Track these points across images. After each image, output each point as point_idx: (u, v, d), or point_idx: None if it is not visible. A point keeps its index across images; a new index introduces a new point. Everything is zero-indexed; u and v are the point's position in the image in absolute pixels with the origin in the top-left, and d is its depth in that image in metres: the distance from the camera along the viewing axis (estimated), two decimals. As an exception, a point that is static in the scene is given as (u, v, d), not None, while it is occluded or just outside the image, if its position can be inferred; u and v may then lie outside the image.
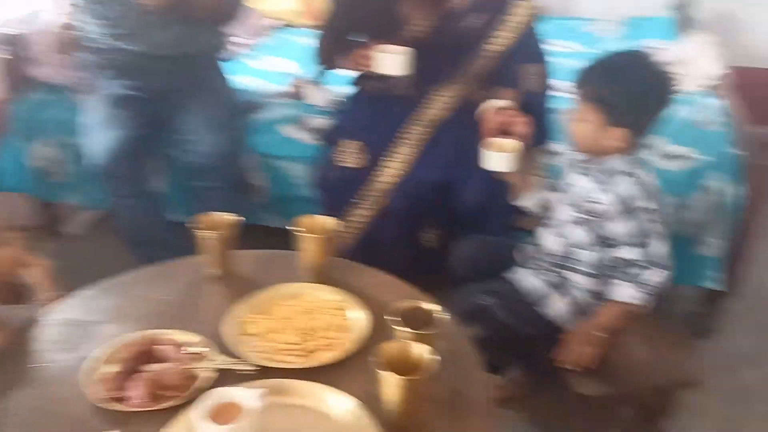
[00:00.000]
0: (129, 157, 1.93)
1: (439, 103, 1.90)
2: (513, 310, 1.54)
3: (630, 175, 1.42)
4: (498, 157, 1.53)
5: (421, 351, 0.99)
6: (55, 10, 2.16)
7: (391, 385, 0.94)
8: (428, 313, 1.09)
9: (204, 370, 1.06)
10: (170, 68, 2.02)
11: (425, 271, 2.00)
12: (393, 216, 1.87)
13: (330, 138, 2.00)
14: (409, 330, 1.03)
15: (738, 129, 1.95)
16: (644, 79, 1.38)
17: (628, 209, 1.40)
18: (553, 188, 1.59)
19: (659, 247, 1.42)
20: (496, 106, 1.72)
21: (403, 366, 0.96)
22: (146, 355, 1.08)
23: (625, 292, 1.43)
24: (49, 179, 2.29)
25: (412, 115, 1.89)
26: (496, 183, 1.63)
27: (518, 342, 1.62)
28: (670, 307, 1.52)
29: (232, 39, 2.73)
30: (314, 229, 1.33)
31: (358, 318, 1.18)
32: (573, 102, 1.46)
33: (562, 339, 1.51)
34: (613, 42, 2.96)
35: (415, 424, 0.97)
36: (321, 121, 2.15)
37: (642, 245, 1.41)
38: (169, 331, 1.14)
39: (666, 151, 1.91)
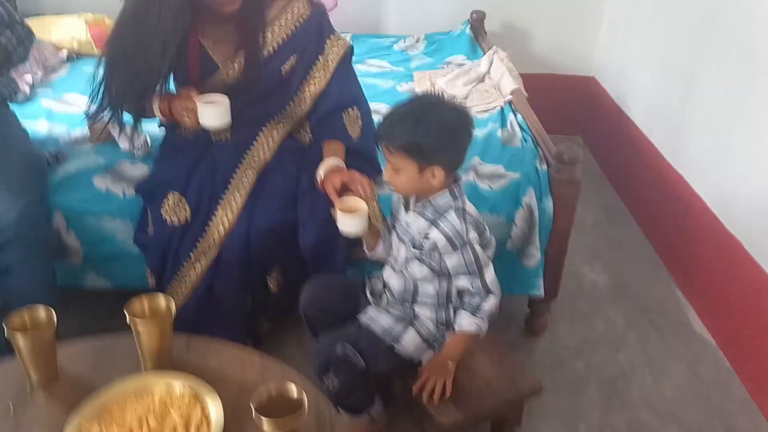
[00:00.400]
0: None
1: (263, 147, 1.86)
2: (369, 352, 1.54)
3: (456, 209, 1.48)
4: (352, 220, 1.51)
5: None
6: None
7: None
8: (292, 398, 1.04)
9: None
10: None
11: (275, 313, 1.97)
12: (229, 267, 1.78)
13: (146, 191, 1.86)
14: (273, 421, 0.98)
15: (539, 142, 2.13)
16: (444, 118, 1.42)
17: (461, 243, 1.46)
18: (391, 227, 1.61)
19: (490, 273, 1.51)
20: (331, 168, 1.70)
21: None
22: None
23: (466, 322, 1.51)
24: None
25: (235, 160, 1.83)
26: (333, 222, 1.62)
27: (376, 380, 1.64)
28: (500, 318, 1.61)
29: (22, 78, 2.46)
30: (150, 310, 1.22)
31: (216, 409, 1.10)
32: (383, 155, 1.48)
33: (418, 372, 1.56)
34: (420, 59, 3.11)
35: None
36: (137, 170, 1.99)
37: (476, 273, 1.49)
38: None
39: (483, 172, 2.03)
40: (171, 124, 1.91)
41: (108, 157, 2.04)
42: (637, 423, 1.87)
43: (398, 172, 1.45)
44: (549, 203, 1.92)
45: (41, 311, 1.19)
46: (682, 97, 2.51)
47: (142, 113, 1.84)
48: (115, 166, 2.00)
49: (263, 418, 0.97)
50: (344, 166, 1.73)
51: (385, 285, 1.65)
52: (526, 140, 2.18)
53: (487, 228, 1.55)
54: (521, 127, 2.27)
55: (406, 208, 1.55)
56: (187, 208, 1.76)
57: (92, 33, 2.86)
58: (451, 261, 1.48)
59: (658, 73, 2.77)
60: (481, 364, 1.66)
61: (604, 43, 3.40)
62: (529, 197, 1.91)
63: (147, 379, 1.16)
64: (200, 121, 1.68)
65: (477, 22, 3.27)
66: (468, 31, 3.24)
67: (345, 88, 1.89)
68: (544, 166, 1.98)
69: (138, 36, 1.64)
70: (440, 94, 1.56)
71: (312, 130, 1.92)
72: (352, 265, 1.89)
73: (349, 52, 1.91)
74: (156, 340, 1.19)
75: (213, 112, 1.66)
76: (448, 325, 1.59)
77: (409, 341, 1.57)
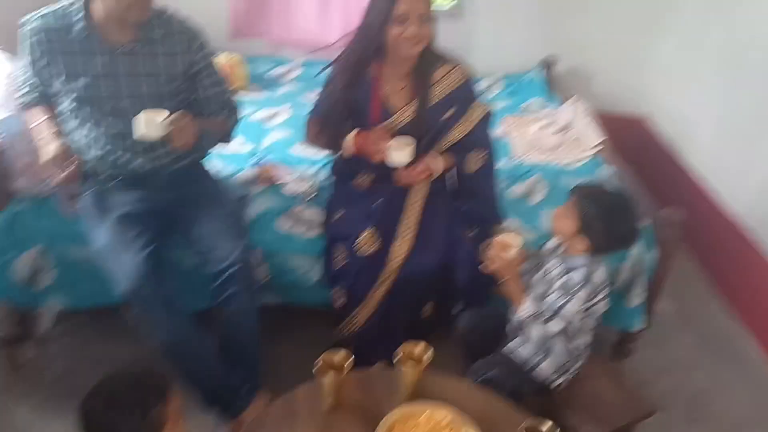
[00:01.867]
0: (152, 275, 1.99)
1: (420, 186, 2.25)
2: (513, 378, 1.94)
3: (587, 269, 1.85)
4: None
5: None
6: (31, 118, 2.09)
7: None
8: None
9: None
10: (171, 179, 2.15)
11: (420, 337, 2.39)
12: (401, 292, 2.18)
13: (337, 230, 2.25)
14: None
15: (636, 196, 2.55)
16: (623, 225, 1.84)
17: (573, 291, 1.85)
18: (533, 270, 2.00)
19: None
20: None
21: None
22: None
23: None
24: (32, 287, 2.25)
25: (403, 197, 2.23)
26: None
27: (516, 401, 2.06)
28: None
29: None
30: (413, 355, 1.63)
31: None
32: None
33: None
34: (501, 100, 3.50)
35: None
36: (313, 213, 2.39)
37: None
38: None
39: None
40: (345, 174, 2.32)
41: (284, 201, 2.43)
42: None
43: (565, 217, 1.86)
44: (654, 254, 2.35)
45: (342, 355, 1.59)
46: (740, 149, 2.95)
47: (334, 145, 2.26)
48: (290, 209, 2.40)
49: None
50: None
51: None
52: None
53: (602, 298, 1.91)
54: (613, 179, 2.69)
55: (554, 257, 1.94)
56: (378, 241, 2.17)
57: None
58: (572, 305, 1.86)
59: (717, 123, 3.20)
60: (608, 386, 2.08)
61: (661, 85, 3.78)
62: (637, 250, 2.34)
63: (413, 409, 1.57)
64: (391, 158, 2.09)
65: (550, 65, 3.67)
66: (542, 74, 3.65)
67: (479, 139, 2.29)
68: (646, 223, 2.40)
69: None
70: (634, 202, 1.92)
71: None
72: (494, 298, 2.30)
73: (489, 114, 2.32)
74: (417, 377, 1.61)
75: (401, 149, 2.08)
76: (580, 352, 2.00)
77: (545, 368, 1.98)
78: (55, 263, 2.24)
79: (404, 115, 2.20)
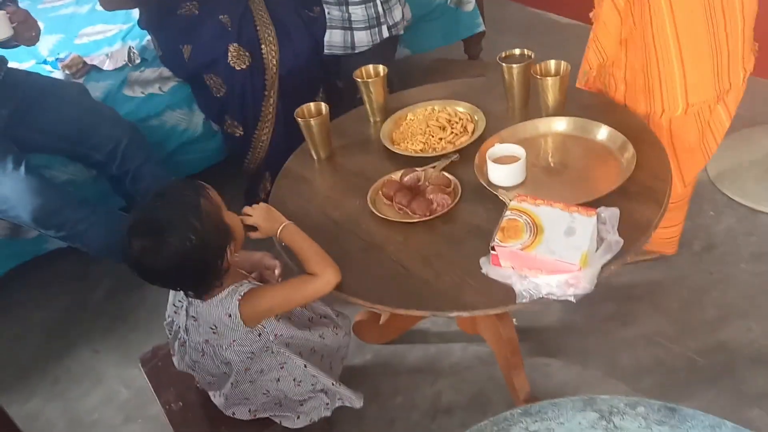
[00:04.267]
0: (47, 185, 1.74)
1: None
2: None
3: None
4: None
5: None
6: None
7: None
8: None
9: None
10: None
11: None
12: (292, 94, 2.11)
13: (197, 61, 2.08)
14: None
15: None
16: None
17: None
18: None
19: None
20: None
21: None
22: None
23: None
24: None
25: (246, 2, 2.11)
26: None
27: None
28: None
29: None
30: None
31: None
32: None
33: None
34: None
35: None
36: (152, 72, 2.17)
37: None
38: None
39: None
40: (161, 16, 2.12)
41: (116, 75, 2.17)
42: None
43: None
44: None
45: (319, 106, 1.54)
46: None
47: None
48: (128, 80, 2.15)
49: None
50: None
51: None
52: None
53: None
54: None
55: None
56: (247, 53, 2.04)
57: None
58: None
59: None
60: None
61: None
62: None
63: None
64: None
65: None
66: None
67: None
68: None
69: None
70: None
71: None
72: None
73: None
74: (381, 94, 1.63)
75: None
76: None
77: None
78: None
79: None
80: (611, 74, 1.59)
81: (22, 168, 1.71)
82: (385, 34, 2.13)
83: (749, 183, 2.09)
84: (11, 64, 1.99)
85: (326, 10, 2.12)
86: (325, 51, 2.14)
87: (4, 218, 1.78)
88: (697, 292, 1.82)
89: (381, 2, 2.09)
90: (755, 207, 2.02)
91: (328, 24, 2.12)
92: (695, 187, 1.78)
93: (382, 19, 2.12)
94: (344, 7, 2.08)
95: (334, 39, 2.13)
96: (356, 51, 2.13)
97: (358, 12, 2.08)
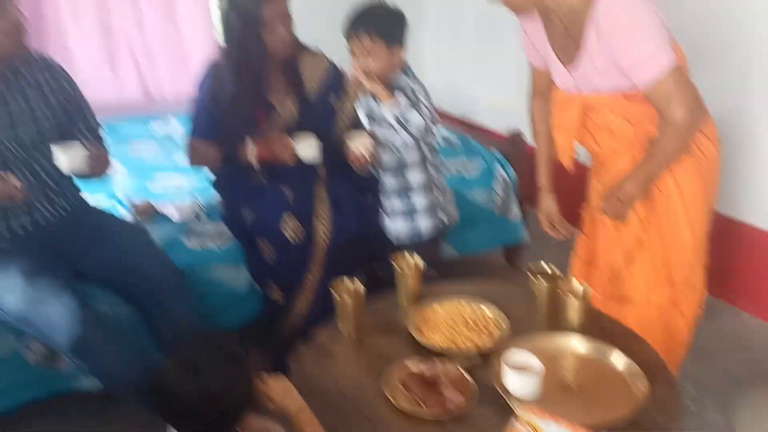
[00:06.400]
0: (90, 316, 1.83)
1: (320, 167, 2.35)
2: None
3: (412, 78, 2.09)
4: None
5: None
6: None
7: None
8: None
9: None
10: (67, 220, 2.05)
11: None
12: (335, 270, 2.24)
13: (256, 227, 2.24)
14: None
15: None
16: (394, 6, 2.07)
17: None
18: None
19: None
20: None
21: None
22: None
23: None
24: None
25: (310, 179, 2.30)
26: None
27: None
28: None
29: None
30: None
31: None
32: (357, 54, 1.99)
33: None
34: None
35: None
36: (212, 226, 2.36)
37: None
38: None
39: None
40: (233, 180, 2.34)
41: (178, 225, 2.37)
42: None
43: (372, 58, 1.98)
44: (512, 172, 2.77)
45: (356, 284, 1.65)
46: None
47: (228, 159, 2.25)
48: (189, 229, 2.34)
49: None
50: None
51: None
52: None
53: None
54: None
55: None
56: (300, 226, 2.20)
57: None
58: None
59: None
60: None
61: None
62: (498, 170, 2.74)
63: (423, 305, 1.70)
64: (302, 155, 2.15)
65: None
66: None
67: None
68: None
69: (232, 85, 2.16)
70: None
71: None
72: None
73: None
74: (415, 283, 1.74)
75: (308, 145, 2.15)
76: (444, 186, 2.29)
77: (424, 220, 2.23)
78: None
79: (285, 108, 2.30)
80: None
81: (71, 294, 1.83)
82: (445, 220, 2.26)
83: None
84: (83, 195, 2.20)
85: (385, 203, 2.24)
86: (394, 242, 2.24)
87: (41, 339, 1.87)
88: None
89: (439, 190, 2.24)
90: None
91: (390, 214, 2.24)
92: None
93: (441, 206, 2.25)
94: (406, 197, 2.21)
95: (399, 227, 2.24)
96: (424, 239, 2.22)
97: (422, 199, 2.22)
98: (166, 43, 3.47)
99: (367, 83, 2.03)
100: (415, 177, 2.19)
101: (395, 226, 2.24)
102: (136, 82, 3.50)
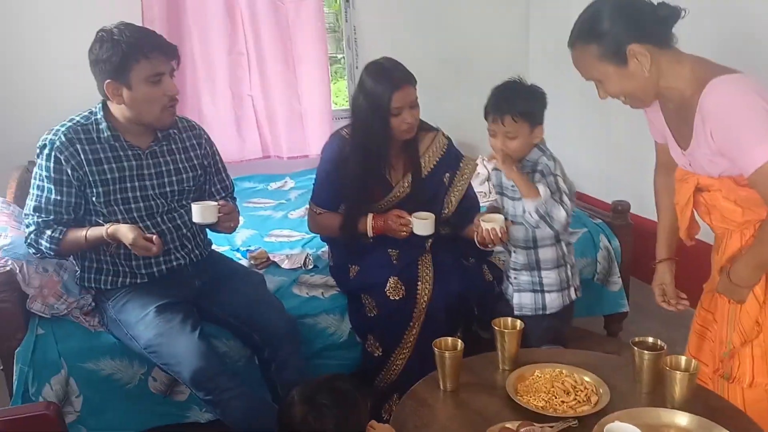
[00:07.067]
0: (212, 352, 2.01)
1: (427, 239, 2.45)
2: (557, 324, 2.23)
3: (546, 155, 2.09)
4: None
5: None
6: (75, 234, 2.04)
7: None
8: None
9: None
10: (199, 266, 2.26)
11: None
12: (433, 330, 2.31)
13: (362, 284, 2.37)
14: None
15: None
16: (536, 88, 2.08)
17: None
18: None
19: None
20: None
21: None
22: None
23: None
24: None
25: (419, 248, 2.40)
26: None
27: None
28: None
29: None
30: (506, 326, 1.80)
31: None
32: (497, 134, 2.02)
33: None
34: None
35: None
36: (320, 278, 2.51)
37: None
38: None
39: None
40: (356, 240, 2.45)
41: (289, 274, 2.54)
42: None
43: (513, 139, 2.02)
44: (616, 242, 2.75)
45: (456, 342, 1.72)
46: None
47: (347, 231, 2.38)
48: (299, 279, 2.50)
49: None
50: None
51: None
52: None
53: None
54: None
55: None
56: (403, 287, 2.31)
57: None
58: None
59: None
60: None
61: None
62: (602, 239, 2.73)
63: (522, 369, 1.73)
64: (418, 231, 2.24)
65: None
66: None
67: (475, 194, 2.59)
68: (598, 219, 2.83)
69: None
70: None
71: (456, 223, 2.54)
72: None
73: (476, 166, 2.58)
74: (514, 346, 1.77)
75: (425, 224, 2.24)
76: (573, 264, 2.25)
77: (552, 295, 2.20)
78: (79, 390, 2.12)
79: (402, 187, 2.41)
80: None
81: (197, 332, 2.00)
82: (573, 296, 2.23)
83: None
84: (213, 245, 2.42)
85: (512, 276, 2.23)
86: (515, 312, 2.18)
87: (167, 371, 2.05)
88: None
89: (570, 267, 2.22)
90: None
91: (515, 288, 2.22)
92: None
93: (570, 282, 2.22)
94: (536, 272, 2.19)
95: (524, 301, 2.21)
96: (547, 312, 2.19)
97: (552, 276, 2.19)
98: (286, 109, 3.76)
99: (506, 171, 2.06)
100: (546, 254, 2.16)
101: (521, 299, 2.20)
102: (257, 143, 3.79)
